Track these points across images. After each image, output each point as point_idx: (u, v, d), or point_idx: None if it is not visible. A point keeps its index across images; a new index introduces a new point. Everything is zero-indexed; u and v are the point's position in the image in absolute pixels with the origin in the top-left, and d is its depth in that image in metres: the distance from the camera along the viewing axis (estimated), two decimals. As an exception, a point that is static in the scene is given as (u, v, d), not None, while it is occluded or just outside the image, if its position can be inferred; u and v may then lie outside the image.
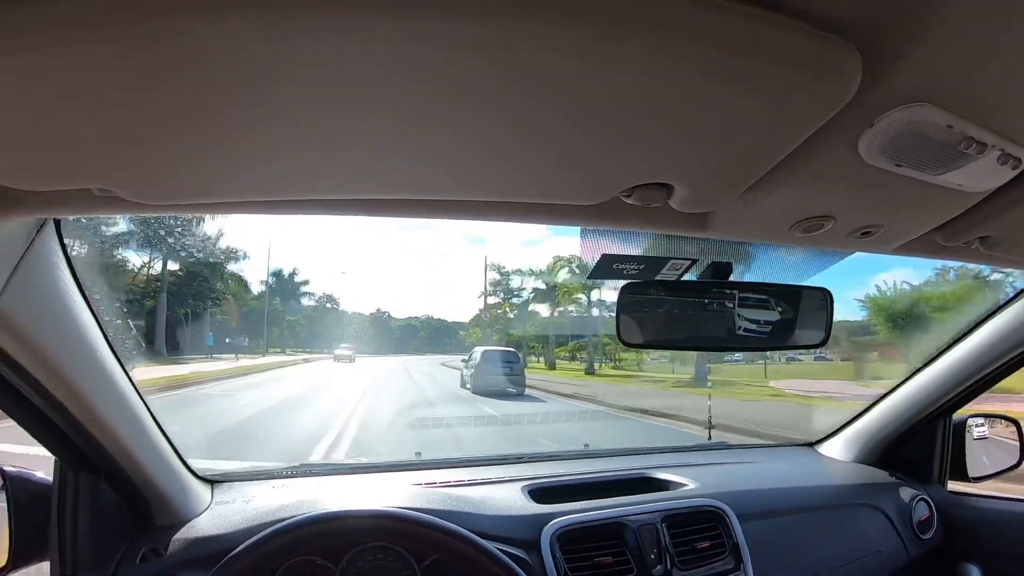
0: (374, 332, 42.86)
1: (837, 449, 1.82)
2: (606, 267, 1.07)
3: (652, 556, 1.23)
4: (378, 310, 47.85)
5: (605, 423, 9.64)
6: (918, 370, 1.62)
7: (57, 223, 0.82)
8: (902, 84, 0.51)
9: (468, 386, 13.14)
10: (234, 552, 1.00)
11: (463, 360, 14.83)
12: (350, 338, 36.39)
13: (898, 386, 1.68)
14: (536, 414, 10.09)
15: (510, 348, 14.49)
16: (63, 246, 0.84)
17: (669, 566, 1.23)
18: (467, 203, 0.72)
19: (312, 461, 4.69)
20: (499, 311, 29.61)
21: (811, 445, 1.89)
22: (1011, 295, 1.43)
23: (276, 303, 33.19)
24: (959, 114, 0.56)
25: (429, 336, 46.54)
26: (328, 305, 38.41)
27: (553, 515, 1.24)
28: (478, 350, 13.69)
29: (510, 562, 1.05)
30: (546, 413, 10.25)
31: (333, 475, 1.50)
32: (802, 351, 2.17)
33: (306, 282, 36.63)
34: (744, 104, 0.49)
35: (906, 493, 1.61)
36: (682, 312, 1.03)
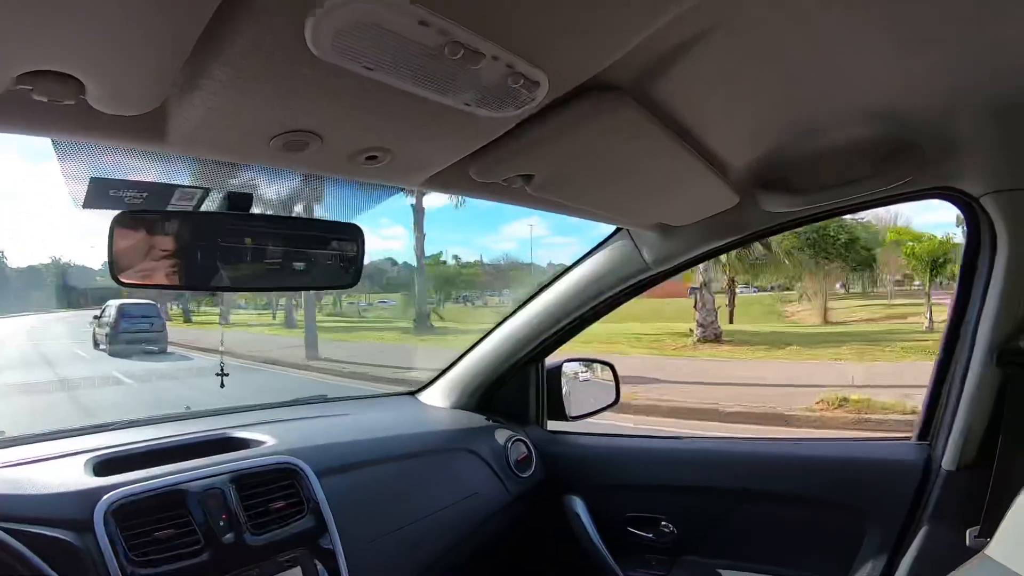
0: None
1: (437, 396, 1.87)
2: (100, 194, 0.91)
3: (221, 523, 1.13)
4: None
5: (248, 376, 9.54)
6: (508, 317, 1.74)
7: None
8: None
9: (103, 347, 11.82)
10: None
11: (94, 317, 13.03)
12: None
13: (489, 334, 1.78)
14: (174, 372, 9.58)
15: (148, 301, 13.07)
16: None
17: (240, 532, 1.14)
18: None
19: None
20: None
21: (412, 395, 1.94)
22: (596, 245, 1.55)
23: None
24: (436, 9, 0.48)
25: (65, 285, 34.71)
26: None
27: (108, 488, 1.08)
28: (112, 304, 12.20)
29: (15, 544, 0.91)
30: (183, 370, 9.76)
31: None
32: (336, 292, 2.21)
33: None
34: None
35: (502, 435, 1.70)
36: (191, 247, 0.91)
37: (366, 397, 2.06)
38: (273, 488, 1.23)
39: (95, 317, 12.92)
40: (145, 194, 0.91)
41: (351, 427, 1.61)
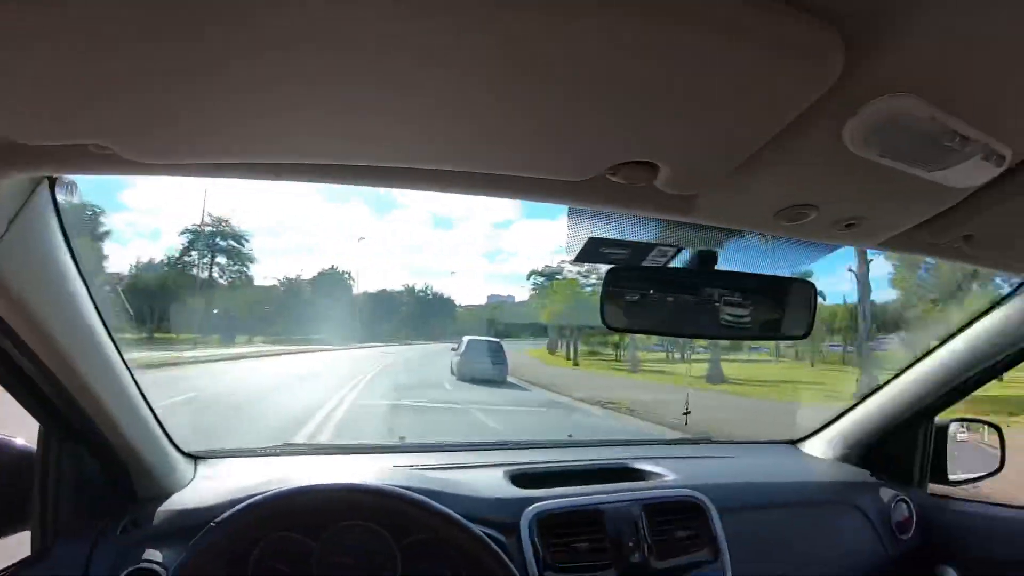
0: (326, 308, 29.04)
1: (819, 448, 1.83)
2: (592, 251, 1.06)
3: (630, 544, 1.22)
4: (333, 268, 32.90)
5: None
6: (903, 371, 1.63)
7: (52, 184, 0.80)
8: (886, 72, 0.52)
9: (454, 373, 13.89)
10: (214, 522, 1.00)
11: (452, 348, 15.60)
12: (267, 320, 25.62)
13: (882, 386, 1.69)
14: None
15: (494, 339, 15.52)
16: (57, 209, 0.82)
17: (647, 554, 1.22)
18: (451, 174, 0.72)
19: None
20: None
21: (793, 443, 1.90)
22: (999, 298, 1.42)
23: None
24: (943, 107, 0.56)
25: (415, 314, 34.20)
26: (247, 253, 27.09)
27: (533, 500, 1.24)
28: (465, 339, 14.49)
29: (489, 541, 1.05)
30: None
31: (316, 455, 1.52)
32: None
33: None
34: (726, 85, 0.49)
35: (886, 494, 1.63)
36: (667, 299, 1.02)
37: (748, 443, 2.04)
38: (678, 519, 1.31)
39: (452, 349, 15.39)
40: (628, 251, 1.04)
41: (741, 470, 1.66)
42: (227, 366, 14.97)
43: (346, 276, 32.30)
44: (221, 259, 26.56)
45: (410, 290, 35.91)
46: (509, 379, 14.00)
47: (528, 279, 26.63)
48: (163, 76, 0.47)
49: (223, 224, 26.65)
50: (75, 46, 0.42)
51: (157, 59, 0.44)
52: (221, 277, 26.60)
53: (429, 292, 36.36)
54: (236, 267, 27.14)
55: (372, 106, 0.53)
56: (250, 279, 27.71)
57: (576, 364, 22.42)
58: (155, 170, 0.67)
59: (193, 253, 25.46)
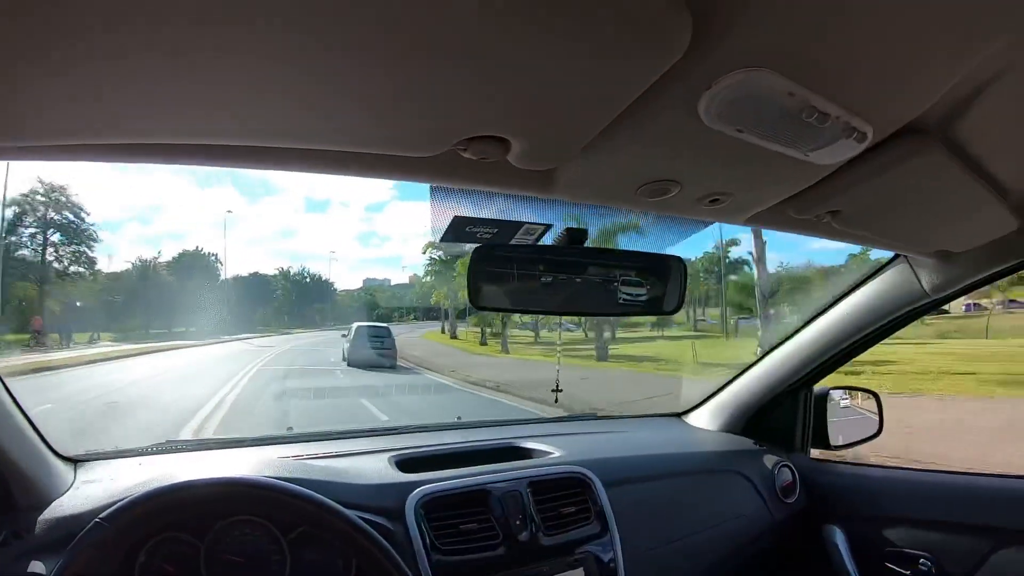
0: (190, 296, 23.56)
1: (703, 419, 1.91)
2: (458, 229, 1.03)
3: (517, 522, 1.23)
4: (198, 249, 26.95)
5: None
6: (781, 343, 1.72)
7: None
8: (739, 47, 0.52)
9: (345, 359, 13.95)
10: (86, 528, 0.94)
11: (343, 335, 15.63)
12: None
13: (762, 358, 1.77)
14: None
15: (383, 324, 15.63)
16: None
17: (534, 531, 1.24)
18: (298, 152, 0.69)
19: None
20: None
21: (678, 416, 1.97)
22: (869, 273, 1.53)
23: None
24: (800, 82, 0.56)
25: (294, 300, 29.93)
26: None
27: (417, 484, 1.23)
28: (354, 325, 14.54)
29: (369, 528, 1.03)
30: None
31: (201, 451, 1.45)
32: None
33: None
34: (571, 58, 0.49)
35: (770, 460, 1.71)
36: (536, 276, 1.01)
37: (635, 417, 2.10)
38: (565, 494, 1.33)
39: (343, 335, 15.30)
40: (496, 230, 1.01)
41: (627, 444, 1.71)
42: (36, 382, 9.28)
43: (212, 258, 26.93)
44: (55, 237, 19.80)
45: (285, 274, 31.77)
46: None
47: (423, 252, 24.96)
48: None
49: (57, 193, 19.71)
50: None
51: None
52: (57, 261, 20.01)
53: (306, 275, 32.53)
54: (74, 247, 20.25)
55: (213, 81, 0.49)
56: (93, 261, 21.15)
57: (507, 351, 19.43)
58: None
59: (21, 230, 19.23)
